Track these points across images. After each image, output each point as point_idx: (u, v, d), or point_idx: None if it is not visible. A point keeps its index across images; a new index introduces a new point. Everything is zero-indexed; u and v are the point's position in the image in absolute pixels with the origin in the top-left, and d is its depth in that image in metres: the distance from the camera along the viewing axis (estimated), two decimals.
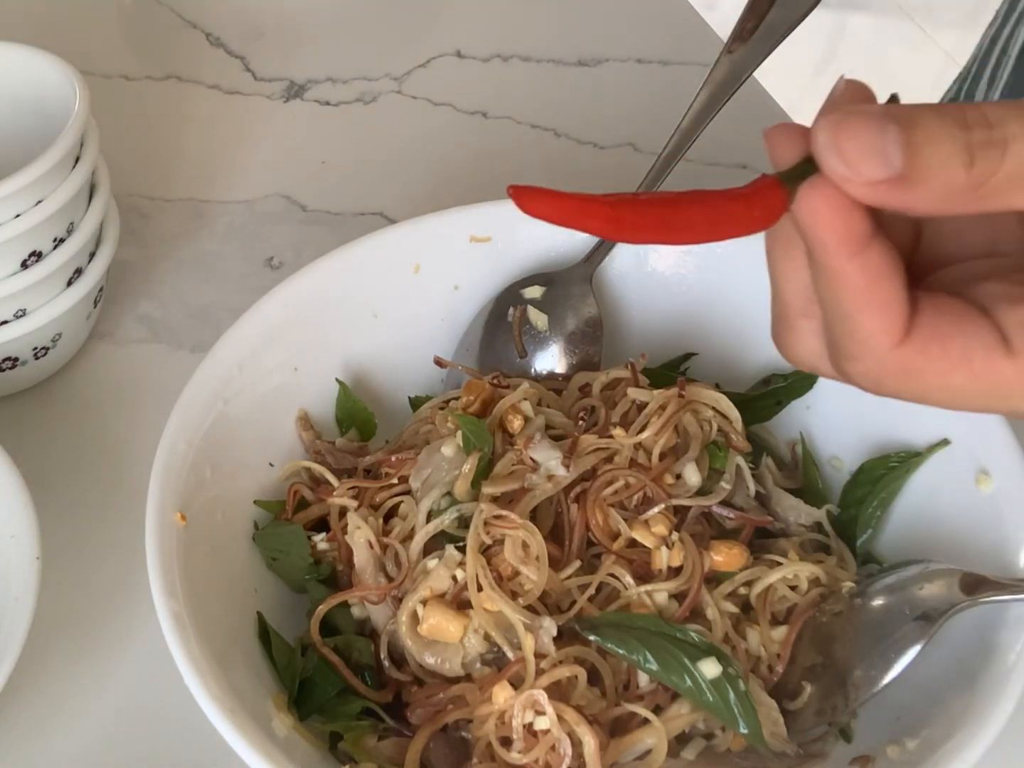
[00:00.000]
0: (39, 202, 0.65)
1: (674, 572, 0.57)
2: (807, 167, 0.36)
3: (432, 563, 0.56)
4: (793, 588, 0.58)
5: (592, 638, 0.55)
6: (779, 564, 0.58)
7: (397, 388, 0.68)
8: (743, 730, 0.53)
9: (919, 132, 0.34)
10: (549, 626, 0.54)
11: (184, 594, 0.53)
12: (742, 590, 0.58)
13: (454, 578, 0.56)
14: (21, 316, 0.68)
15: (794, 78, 1.93)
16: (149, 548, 0.54)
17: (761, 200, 0.36)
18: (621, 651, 0.54)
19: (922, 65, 2.40)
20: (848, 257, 0.36)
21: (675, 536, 0.57)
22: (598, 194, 0.36)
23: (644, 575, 0.57)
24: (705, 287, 0.68)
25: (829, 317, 0.38)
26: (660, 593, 0.56)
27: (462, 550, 0.56)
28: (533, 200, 0.36)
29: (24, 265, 0.67)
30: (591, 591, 0.56)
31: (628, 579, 0.56)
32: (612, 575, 0.56)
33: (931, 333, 0.36)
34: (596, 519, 0.57)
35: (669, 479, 0.59)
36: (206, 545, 0.57)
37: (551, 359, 0.67)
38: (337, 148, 0.90)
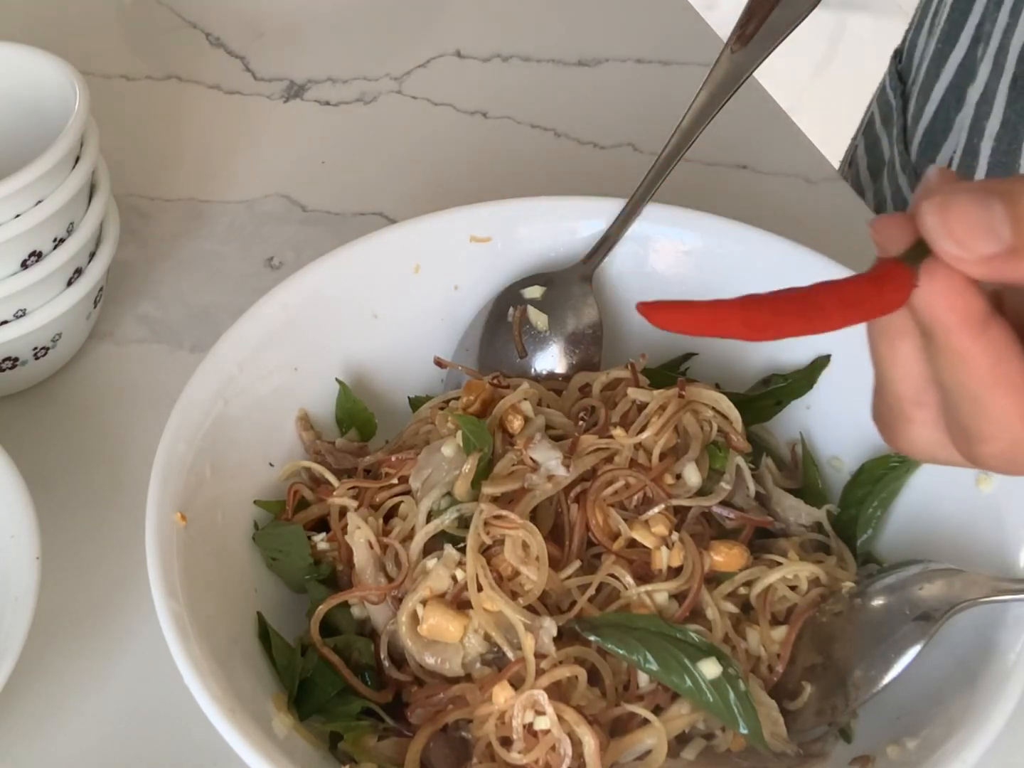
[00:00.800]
0: (39, 202, 0.65)
1: (674, 572, 0.57)
2: (920, 250, 0.36)
3: (431, 563, 0.56)
4: (793, 588, 0.58)
5: (592, 638, 0.55)
6: (779, 564, 0.58)
7: (397, 388, 0.68)
8: (743, 730, 0.53)
9: (1022, 203, 0.35)
10: (549, 626, 0.54)
11: (184, 594, 0.53)
12: (742, 590, 0.58)
13: (454, 578, 0.56)
14: (21, 316, 0.68)
15: (794, 78, 1.93)
16: (149, 548, 0.54)
17: (891, 281, 0.37)
18: (621, 651, 0.54)
19: None
20: (972, 338, 0.36)
21: (675, 536, 0.57)
22: (727, 300, 0.36)
23: (644, 575, 0.57)
24: (705, 287, 0.68)
25: (955, 401, 0.38)
26: (660, 593, 0.56)
27: (462, 550, 0.56)
28: (665, 314, 0.36)
29: (24, 265, 0.67)
30: (591, 591, 0.56)
31: (628, 579, 0.56)
32: (612, 575, 0.56)
33: None
34: (596, 519, 0.57)
35: (669, 479, 0.59)
36: (206, 545, 0.57)
37: (551, 359, 0.67)
38: (337, 148, 0.90)
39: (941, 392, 0.39)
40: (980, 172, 0.80)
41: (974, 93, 0.77)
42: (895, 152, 0.90)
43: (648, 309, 0.36)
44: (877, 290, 0.37)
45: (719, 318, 0.36)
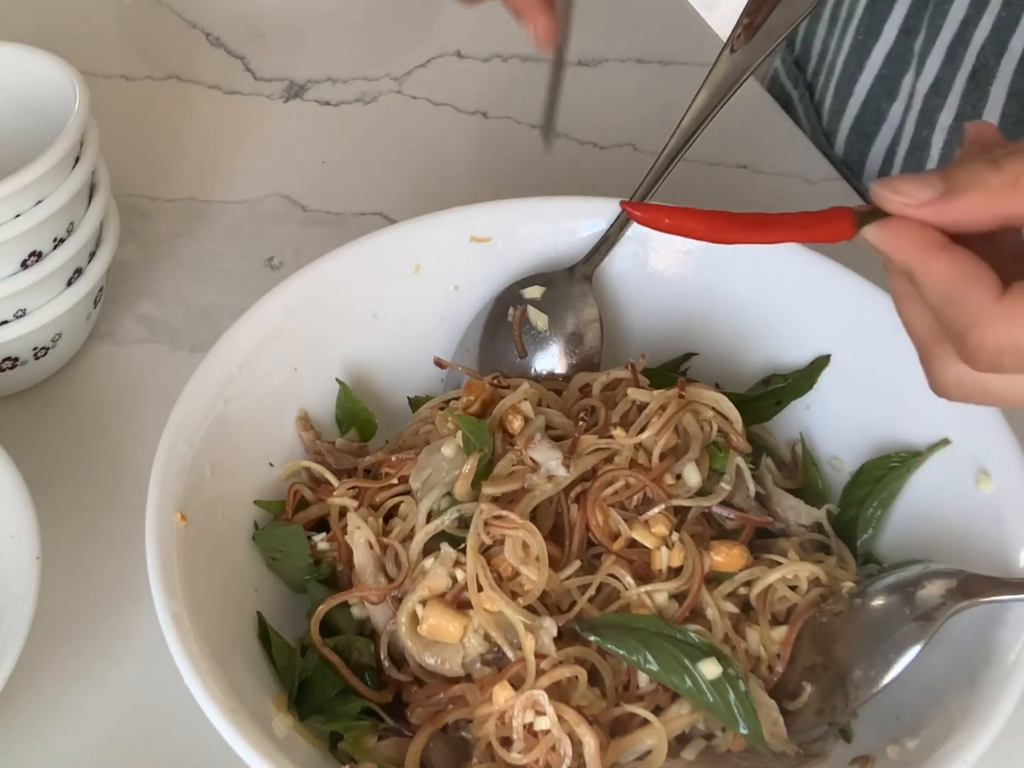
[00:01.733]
0: (39, 202, 0.65)
1: (674, 572, 0.57)
2: (875, 214, 0.46)
3: (428, 562, 0.56)
4: (793, 588, 0.58)
5: (592, 639, 0.55)
6: (779, 564, 0.58)
7: (397, 388, 0.68)
8: (743, 730, 0.53)
9: (951, 166, 0.45)
10: (549, 626, 0.54)
11: (184, 594, 0.53)
12: (742, 590, 0.58)
13: (453, 577, 0.56)
14: (21, 316, 0.68)
15: None
16: (149, 548, 0.54)
17: (835, 219, 0.47)
18: (621, 652, 0.54)
19: None
20: (933, 256, 0.45)
21: (675, 536, 0.57)
22: (698, 209, 0.47)
23: (644, 575, 0.57)
24: (705, 287, 0.68)
25: (940, 310, 0.45)
26: (660, 593, 0.56)
27: (462, 550, 0.56)
28: (645, 212, 0.47)
29: (24, 265, 0.67)
30: (591, 592, 0.56)
31: (628, 579, 0.56)
32: (612, 575, 0.56)
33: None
34: (596, 519, 0.57)
35: (669, 479, 0.59)
36: (206, 545, 0.57)
37: (551, 359, 0.67)
38: (337, 148, 0.90)
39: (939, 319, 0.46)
40: (931, 163, 0.80)
41: (921, 86, 0.77)
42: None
43: (630, 207, 0.47)
44: (820, 222, 0.47)
45: (687, 218, 0.46)
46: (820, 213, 0.47)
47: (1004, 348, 0.44)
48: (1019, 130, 0.71)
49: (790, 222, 0.47)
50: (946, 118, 0.75)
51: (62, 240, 0.68)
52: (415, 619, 0.56)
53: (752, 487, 0.61)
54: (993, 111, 0.72)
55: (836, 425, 0.65)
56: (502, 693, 0.53)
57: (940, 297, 0.45)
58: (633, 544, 0.57)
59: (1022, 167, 0.44)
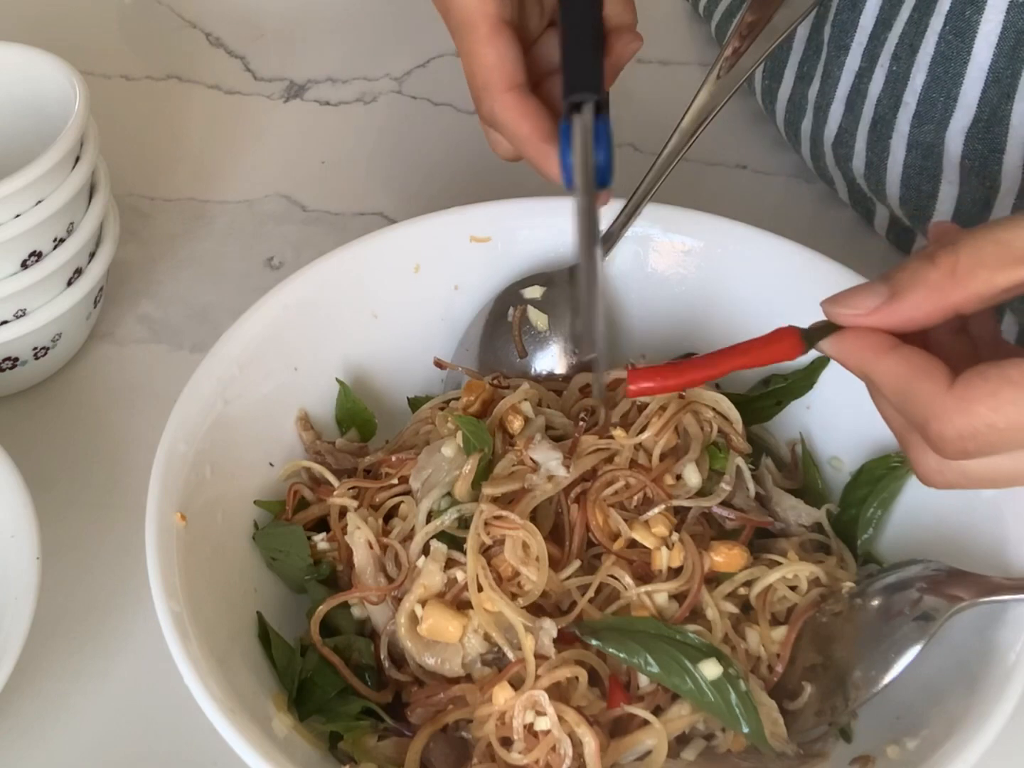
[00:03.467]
0: (39, 202, 0.65)
1: (674, 573, 0.57)
2: (827, 329, 0.50)
3: (420, 561, 0.56)
4: (793, 588, 0.58)
5: (593, 642, 0.55)
6: (779, 564, 0.58)
7: (397, 388, 0.68)
8: (745, 730, 0.53)
9: (895, 268, 0.48)
10: (549, 627, 0.54)
11: (184, 594, 0.53)
12: (742, 590, 0.58)
13: (452, 577, 0.56)
14: (21, 316, 0.68)
15: None
16: (149, 548, 0.54)
17: (779, 339, 0.50)
18: (622, 655, 0.54)
19: None
20: (883, 356, 0.47)
21: (675, 537, 0.57)
22: (675, 365, 0.52)
23: (644, 575, 0.57)
24: (705, 287, 0.68)
25: (899, 407, 0.48)
26: (660, 594, 0.56)
27: (459, 549, 0.56)
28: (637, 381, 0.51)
29: (24, 265, 0.67)
30: (591, 593, 0.56)
31: (628, 580, 0.56)
32: (612, 576, 0.56)
33: (972, 372, 0.45)
34: (596, 520, 0.57)
35: (669, 480, 0.59)
36: (206, 545, 0.57)
37: (551, 359, 0.67)
38: (337, 148, 0.90)
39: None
40: None
41: (828, 134, 0.78)
42: None
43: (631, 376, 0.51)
44: (767, 344, 0.51)
45: (643, 378, 0.51)
46: (767, 336, 0.51)
47: (964, 435, 0.45)
48: (922, 180, 0.72)
49: (738, 352, 0.51)
50: (858, 166, 0.76)
51: (62, 240, 0.68)
52: (414, 619, 0.56)
53: (752, 488, 0.61)
54: (895, 163, 0.73)
55: (836, 425, 0.65)
56: (502, 693, 0.53)
57: (895, 394, 0.48)
58: (633, 544, 0.57)
59: (956, 257, 0.46)
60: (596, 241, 0.55)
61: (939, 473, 0.49)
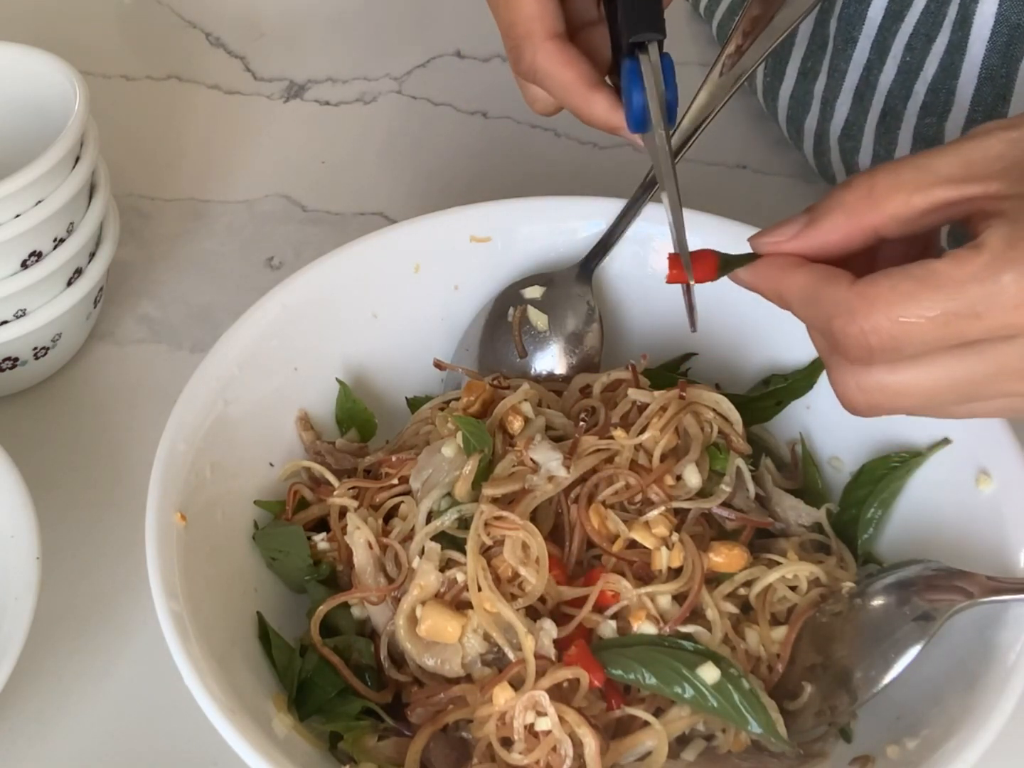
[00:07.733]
0: (39, 202, 0.65)
1: (674, 573, 0.57)
2: (747, 258, 0.50)
3: (416, 561, 0.56)
4: (793, 588, 0.58)
5: None
6: (779, 564, 0.58)
7: (397, 388, 0.68)
8: (756, 728, 0.53)
9: (813, 205, 0.49)
10: (549, 628, 0.54)
11: (184, 594, 0.53)
12: (742, 590, 0.58)
13: (452, 578, 0.56)
14: (21, 316, 0.68)
15: None
16: (149, 548, 0.54)
17: (701, 260, 0.52)
18: (618, 672, 0.54)
19: None
20: (791, 273, 0.48)
21: (675, 537, 0.57)
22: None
23: (644, 576, 0.57)
24: (705, 287, 0.68)
25: (806, 318, 0.48)
26: (662, 596, 0.56)
27: (459, 549, 0.56)
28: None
29: (24, 265, 0.67)
30: (589, 605, 0.56)
31: (625, 583, 0.56)
32: (610, 584, 0.56)
33: (877, 272, 0.46)
34: (591, 524, 0.57)
35: (669, 480, 0.59)
36: (206, 545, 0.57)
37: (551, 359, 0.67)
38: (337, 148, 0.90)
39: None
40: None
41: (834, 128, 0.78)
42: None
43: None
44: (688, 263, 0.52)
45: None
46: (691, 253, 0.52)
47: (865, 329, 0.45)
48: None
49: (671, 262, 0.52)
50: (864, 160, 0.76)
51: (62, 240, 0.68)
52: (413, 620, 0.55)
53: (752, 488, 0.61)
54: (902, 155, 0.73)
55: (836, 425, 0.65)
56: (502, 694, 0.53)
57: (802, 304, 0.48)
58: (633, 545, 0.57)
59: (872, 180, 0.46)
60: (674, 173, 0.56)
61: (859, 391, 0.48)
